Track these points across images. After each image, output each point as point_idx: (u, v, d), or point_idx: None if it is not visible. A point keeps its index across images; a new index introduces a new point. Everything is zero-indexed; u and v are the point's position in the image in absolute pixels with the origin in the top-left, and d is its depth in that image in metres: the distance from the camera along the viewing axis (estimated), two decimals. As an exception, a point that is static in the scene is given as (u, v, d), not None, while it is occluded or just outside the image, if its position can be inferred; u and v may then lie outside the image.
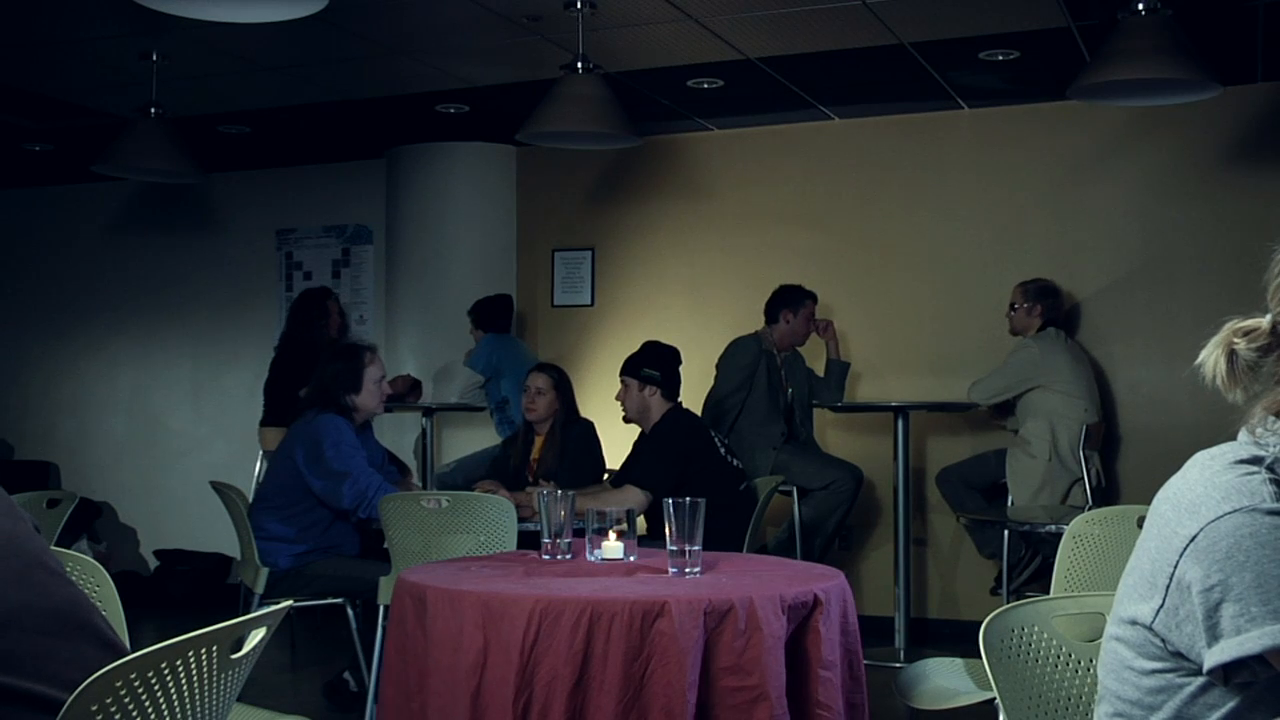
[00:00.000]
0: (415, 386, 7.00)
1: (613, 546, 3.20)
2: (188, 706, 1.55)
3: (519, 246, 7.52)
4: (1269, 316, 1.45)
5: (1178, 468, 1.49)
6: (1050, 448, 5.86)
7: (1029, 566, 5.96)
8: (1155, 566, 1.42)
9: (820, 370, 6.48)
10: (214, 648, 1.56)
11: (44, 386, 8.73)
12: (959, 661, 3.35)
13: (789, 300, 6.33)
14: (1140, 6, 4.52)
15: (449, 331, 7.09)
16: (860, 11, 4.97)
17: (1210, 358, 1.47)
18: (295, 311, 6.62)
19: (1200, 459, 1.46)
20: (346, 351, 4.90)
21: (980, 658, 1.99)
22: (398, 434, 7.11)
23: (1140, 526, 1.55)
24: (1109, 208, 6.38)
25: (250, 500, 4.89)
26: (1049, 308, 6.08)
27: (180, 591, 7.67)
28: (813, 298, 6.37)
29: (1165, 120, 6.14)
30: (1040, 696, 1.99)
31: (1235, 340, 1.45)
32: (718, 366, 6.31)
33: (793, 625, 2.72)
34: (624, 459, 4.98)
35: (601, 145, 5.75)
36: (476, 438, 6.95)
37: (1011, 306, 6.12)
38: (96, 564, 2.51)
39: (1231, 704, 1.39)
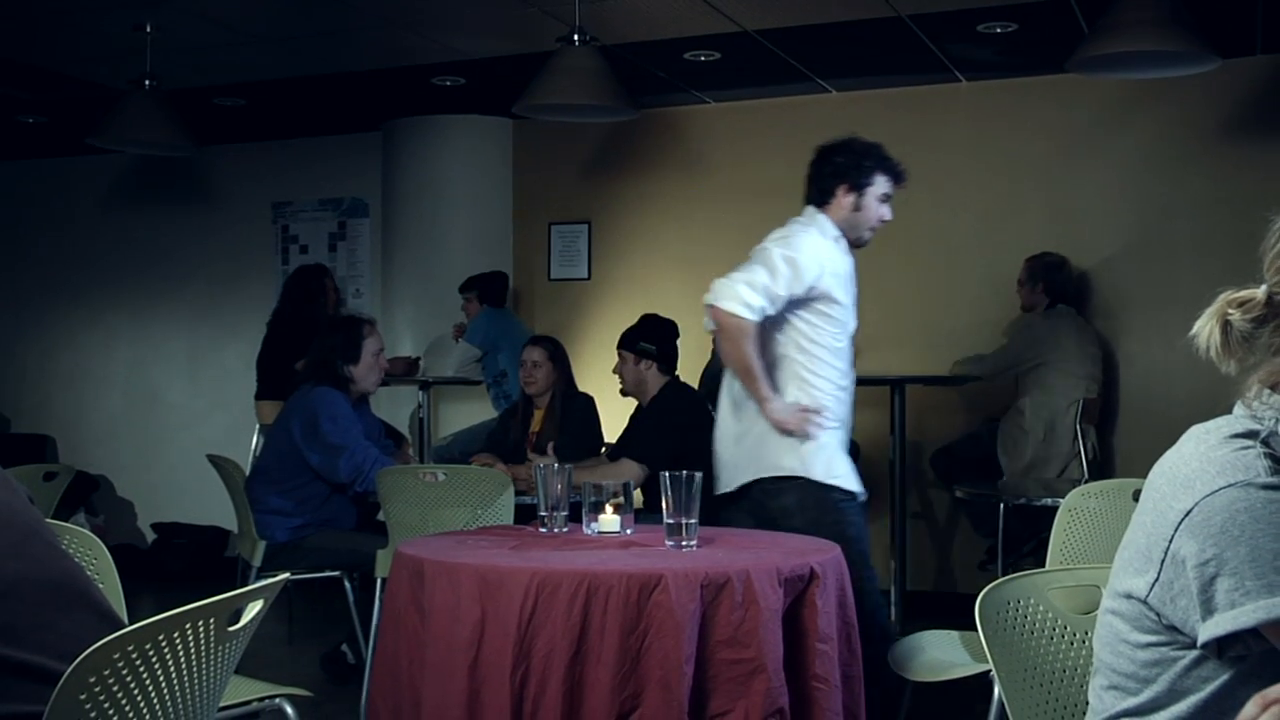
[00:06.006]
0: (413, 367, 6.98)
1: (609, 520, 3.20)
2: (185, 678, 1.55)
3: (515, 220, 7.49)
4: (1265, 287, 1.44)
5: (1174, 441, 1.49)
6: (1045, 424, 5.85)
7: (1025, 546, 5.93)
8: (1150, 541, 1.43)
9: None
10: (211, 620, 1.56)
11: (40, 360, 8.72)
12: (954, 634, 3.36)
13: None
14: (1140, -22, 4.50)
15: (445, 305, 7.07)
16: (858, -17, 4.96)
17: (1205, 329, 1.46)
18: (291, 287, 6.58)
19: (1195, 433, 1.46)
20: (345, 323, 4.90)
21: (976, 630, 2.00)
22: (394, 407, 7.11)
23: (1136, 500, 1.55)
24: (1107, 181, 6.36)
25: (247, 473, 4.90)
26: (1051, 283, 6.02)
27: (177, 565, 7.68)
28: None
29: (1164, 93, 6.11)
30: (1035, 669, 2.00)
31: (1230, 311, 1.45)
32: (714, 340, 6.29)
33: (789, 598, 2.73)
34: (621, 433, 4.98)
35: (598, 118, 5.73)
36: (473, 411, 6.95)
37: (1020, 282, 6.09)
38: (94, 537, 2.50)
39: (1225, 677, 1.39)
